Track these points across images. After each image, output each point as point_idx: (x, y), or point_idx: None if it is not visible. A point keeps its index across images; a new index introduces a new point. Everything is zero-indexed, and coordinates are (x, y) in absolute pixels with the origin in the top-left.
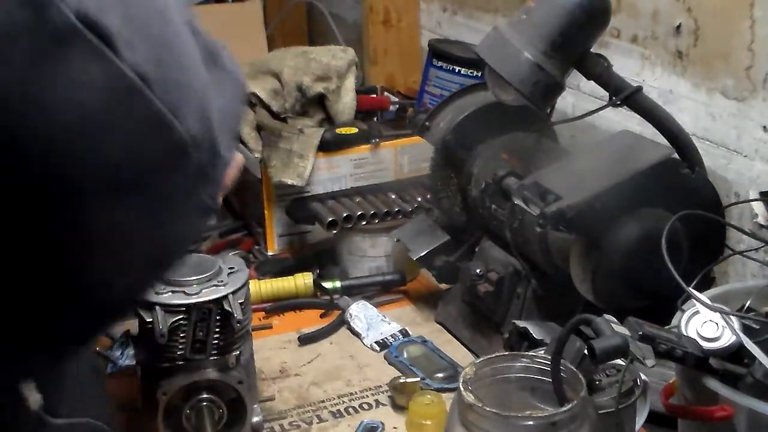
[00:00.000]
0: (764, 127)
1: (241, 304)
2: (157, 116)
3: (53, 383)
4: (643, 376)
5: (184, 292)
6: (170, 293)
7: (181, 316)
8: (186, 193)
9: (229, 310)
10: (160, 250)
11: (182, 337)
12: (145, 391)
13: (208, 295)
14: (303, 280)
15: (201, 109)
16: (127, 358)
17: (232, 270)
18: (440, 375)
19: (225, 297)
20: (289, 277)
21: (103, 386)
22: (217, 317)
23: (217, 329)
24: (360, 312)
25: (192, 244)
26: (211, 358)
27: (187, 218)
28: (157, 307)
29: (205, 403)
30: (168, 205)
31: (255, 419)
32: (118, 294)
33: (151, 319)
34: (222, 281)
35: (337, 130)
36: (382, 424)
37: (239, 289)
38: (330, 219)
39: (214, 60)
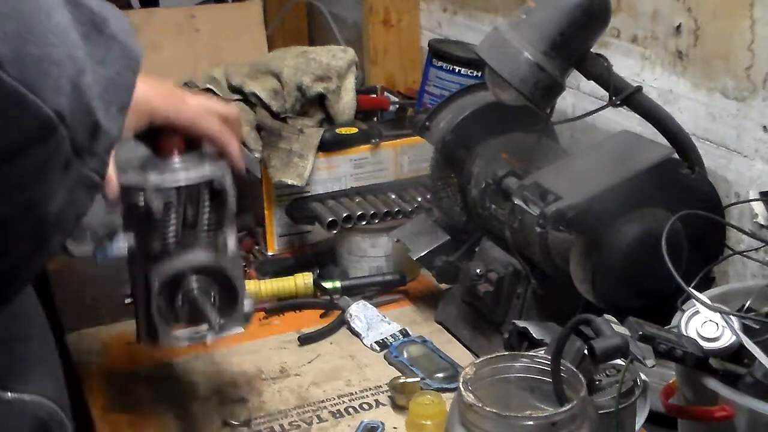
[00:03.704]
0: (764, 127)
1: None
2: (14, 95)
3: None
4: (643, 376)
5: (171, 172)
6: (158, 174)
7: (170, 198)
8: (60, 168)
9: (220, 188)
10: (40, 226)
11: (172, 219)
12: (136, 280)
13: (198, 174)
14: (303, 280)
15: (70, 83)
16: (115, 248)
17: (214, 156)
18: (440, 375)
19: (215, 177)
20: (289, 277)
21: (59, 368)
22: (207, 197)
23: (207, 210)
24: (360, 312)
25: (79, 218)
26: (202, 240)
27: (69, 193)
28: (148, 188)
29: (197, 289)
30: (40, 181)
31: (246, 308)
32: (4, 270)
33: (142, 202)
34: (209, 163)
35: (337, 130)
36: (382, 424)
37: (227, 170)
38: (330, 219)
39: (98, 29)
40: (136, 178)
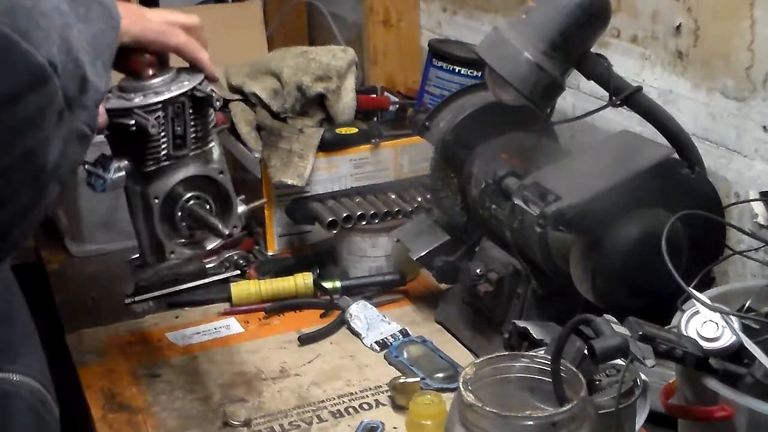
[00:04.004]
0: (764, 127)
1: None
2: (9, 43)
3: None
4: (643, 376)
5: (154, 92)
6: (142, 96)
7: (158, 114)
8: (54, 119)
9: (202, 95)
10: (39, 175)
11: (163, 136)
12: (135, 203)
13: (179, 88)
14: (303, 280)
15: (59, 35)
16: (111, 176)
17: (188, 69)
18: (440, 375)
19: (196, 87)
20: (289, 277)
21: (41, 348)
22: (190, 108)
23: (193, 121)
24: (360, 312)
25: (73, 169)
26: (192, 153)
27: (63, 145)
28: (137, 108)
29: (194, 201)
30: (37, 130)
31: (240, 209)
32: (4, 220)
33: (132, 124)
34: (186, 76)
35: (337, 130)
36: (382, 424)
37: (203, 79)
38: (330, 219)
39: None
40: (121, 102)
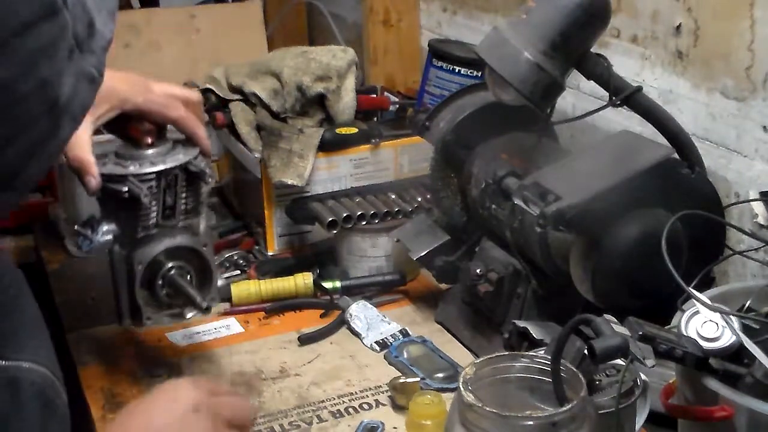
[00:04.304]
0: (764, 127)
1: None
2: None
3: None
4: (643, 376)
5: (150, 162)
6: (138, 165)
7: (152, 184)
8: (66, 53)
9: (196, 170)
10: (53, 107)
11: (154, 205)
12: (118, 265)
13: (174, 161)
14: (303, 280)
15: None
16: (99, 237)
17: (184, 141)
18: (440, 375)
19: (190, 161)
20: (289, 277)
21: (48, 338)
22: (183, 182)
23: (184, 194)
24: (360, 312)
25: (84, 111)
26: (180, 224)
27: (75, 81)
28: (131, 176)
29: (175, 270)
30: (51, 61)
31: (219, 282)
32: (20, 151)
33: (125, 191)
34: (181, 149)
35: (337, 130)
36: (382, 424)
37: (198, 154)
38: (330, 219)
39: None
40: (117, 168)
